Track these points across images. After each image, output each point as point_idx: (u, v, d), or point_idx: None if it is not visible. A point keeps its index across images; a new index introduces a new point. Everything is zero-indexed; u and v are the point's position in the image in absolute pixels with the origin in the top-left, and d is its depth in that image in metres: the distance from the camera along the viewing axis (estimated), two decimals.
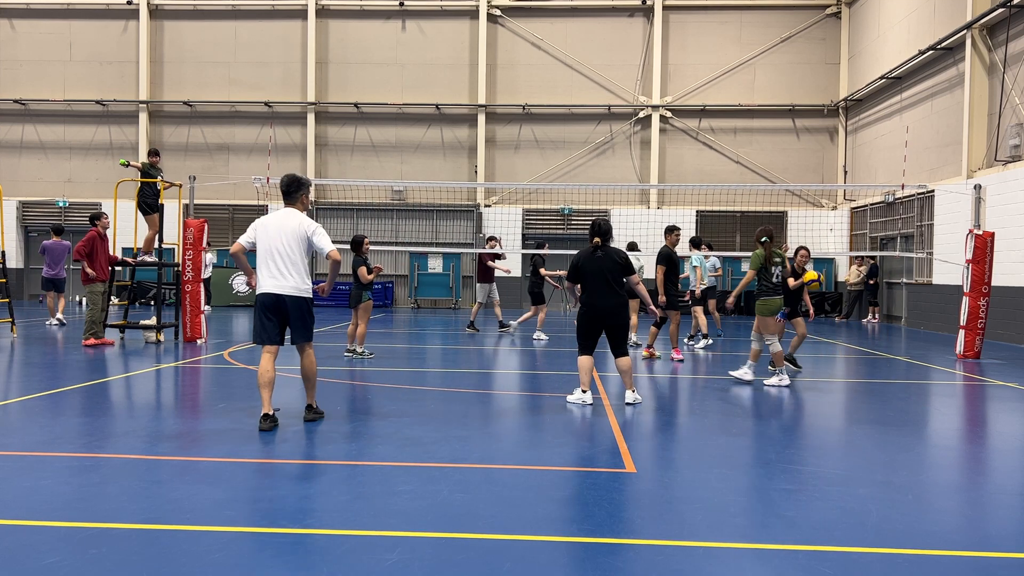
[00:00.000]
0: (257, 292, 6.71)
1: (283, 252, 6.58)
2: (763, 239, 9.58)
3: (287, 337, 6.83)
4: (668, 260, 11.88)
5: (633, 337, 14.14)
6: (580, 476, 5.32)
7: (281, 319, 6.69)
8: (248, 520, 4.30)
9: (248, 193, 25.47)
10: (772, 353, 9.48)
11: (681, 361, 11.78)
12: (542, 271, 15.62)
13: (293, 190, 6.76)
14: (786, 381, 9.44)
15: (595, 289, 7.80)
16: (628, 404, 7.96)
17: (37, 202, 26.66)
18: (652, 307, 8.54)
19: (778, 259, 9.65)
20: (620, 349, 7.98)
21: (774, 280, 9.50)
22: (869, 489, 5.08)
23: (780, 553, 3.96)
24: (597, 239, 7.91)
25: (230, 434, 6.39)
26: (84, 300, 13.11)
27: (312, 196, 26.12)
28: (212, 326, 16.53)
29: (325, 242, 6.70)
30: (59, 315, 16.48)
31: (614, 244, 8.19)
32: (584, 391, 7.99)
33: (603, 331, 7.96)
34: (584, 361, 8.02)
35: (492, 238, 16.76)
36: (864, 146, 23.81)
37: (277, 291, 6.58)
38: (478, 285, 16.50)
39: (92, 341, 12.53)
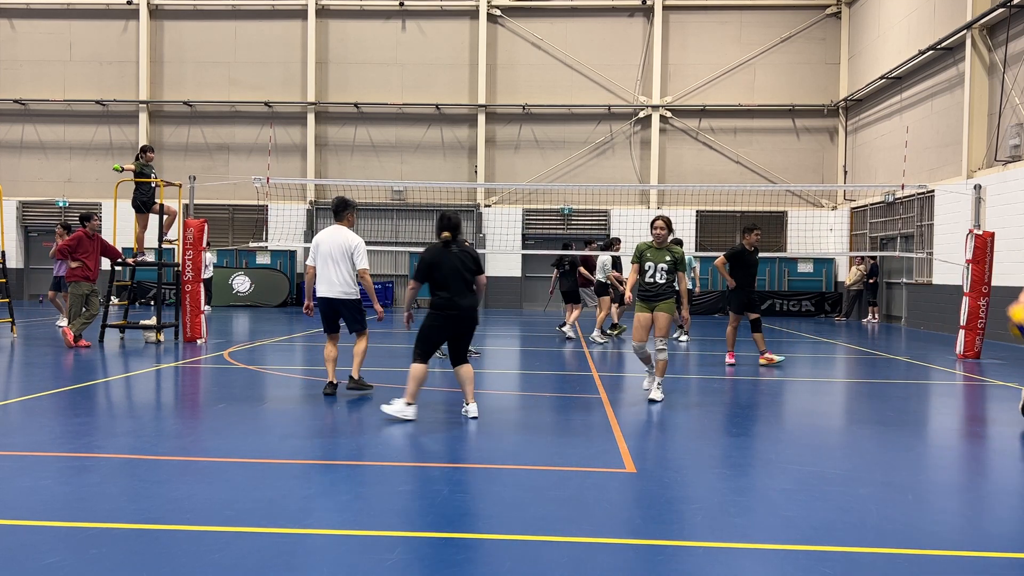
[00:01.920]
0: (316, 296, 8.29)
1: (333, 261, 8.09)
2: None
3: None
4: (736, 258, 11.34)
5: (595, 334, 14.34)
6: (580, 476, 5.32)
7: (334, 316, 8.29)
8: (248, 520, 4.30)
9: (248, 193, 25.47)
10: (659, 361, 8.22)
11: (734, 365, 11.22)
12: (583, 270, 15.39)
13: (340, 210, 8.25)
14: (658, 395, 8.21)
15: (454, 288, 6.98)
16: (473, 418, 7.05)
17: (37, 202, 26.66)
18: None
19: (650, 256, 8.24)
20: (464, 356, 7.22)
21: (647, 279, 8.14)
22: (869, 489, 5.08)
23: (780, 553, 3.96)
24: (447, 233, 7.14)
25: (230, 434, 6.40)
26: (93, 298, 12.91)
27: (313, 196, 26.13)
28: (212, 326, 16.53)
29: (361, 259, 8.16)
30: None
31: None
32: (409, 403, 6.96)
33: (451, 336, 7.14)
34: (419, 370, 7.03)
35: (616, 240, 16.01)
36: (864, 146, 23.81)
37: (328, 295, 8.13)
38: (581, 290, 15.69)
39: (83, 343, 12.47)
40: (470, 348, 12.04)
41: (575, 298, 15.41)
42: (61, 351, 12.02)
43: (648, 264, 8.12)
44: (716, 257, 17.81)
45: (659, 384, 8.20)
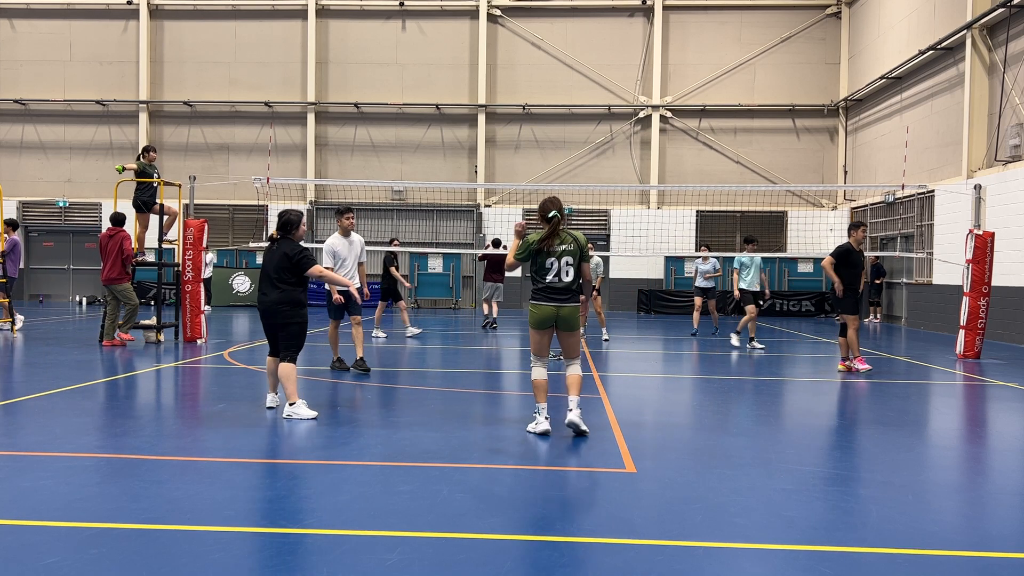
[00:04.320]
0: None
1: (355, 262, 10.11)
2: (551, 214, 6.42)
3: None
4: (843, 257, 10.66)
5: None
6: (580, 476, 5.32)
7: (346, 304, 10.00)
8: (248, 520, 4.30)
9: (248, 193, 25.47)
10: (535, 382, 6.52)
11: (869, 370, 10.64)
12: (392, 270, 15.46)
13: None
14: (544, 427, 6.44)
15: (262, 284, 7.22)
16: (277, 410, 7.19)
17: (37, 202, 26.67)
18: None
19: (564, 245, 6.43)
20: (283, 353, 7.17)
21: (548, 277, 6.40)
22: (869, 489, 5.08)
23: (780, 553, 3.96)
24: (275, 232, 7.31)
25: (230, 434, 6.40)
26: (111, 299, 12.97)
27: (313, 196, 26.13)
28: (212, 326, 16.52)
29: (364, 255, 10.24)
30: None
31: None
32: (269, 393, 7.42)
33: (267, 329, 7.27)
34: (268, 362, 7.37)
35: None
36: (864, 146, 23.81)
37: (350, 290, 9.42)
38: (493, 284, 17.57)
39: (127, 336, 12.78)
40: (605, 339, 12.07)
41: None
42: (61, 351, 12.02)
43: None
44: (720, 254, 17.80)
45: (578, 404, 6.48)
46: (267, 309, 7.15)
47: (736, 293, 14.09)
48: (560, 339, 6.54)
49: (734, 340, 14.00)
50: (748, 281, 14.06)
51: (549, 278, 6.38)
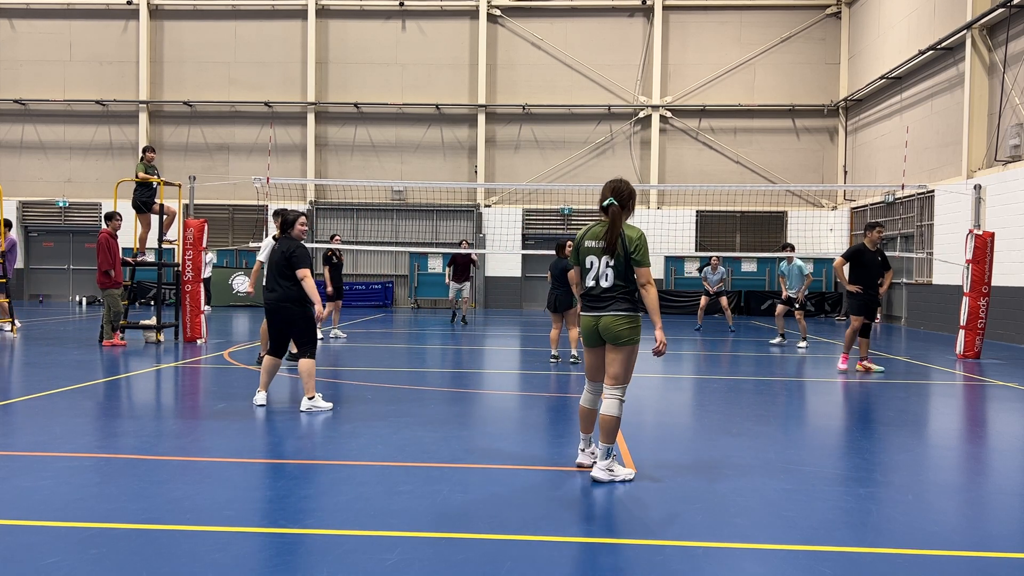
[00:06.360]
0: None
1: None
2: (605, 202, 5.26)
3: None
4: (854, 257, 10.76)
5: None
6: (580, 476, 5.32)
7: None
8: (248, 520, 4.30)
9: (248, 193, 25.47)
10: (579, 409, 5.64)
11: (845, 371, 10.73)
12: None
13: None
14: (579, 460, 5.52)
15: (268, 282, 7.44)
16: (304, 411, 7.26)
17: (37, 202, 26.66)
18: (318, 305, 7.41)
19: (593, 244, 5.33)
20: (300, 349, 7.46)
21: (588, 281, 5.37)
22: (869, 489, 5.08)
23: (780, 553, 3.96)
24: (276, 232, 7.67)
25: (230, 434, 6.40)
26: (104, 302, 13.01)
27: (313, 196, 26.14)
28: (212, 326, 16.52)
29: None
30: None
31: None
32: (260, 391, 7.60)
33: (273, 327, 7.47)
34: (265, 360, 7.60)
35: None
36: (864, 146, 23.81)
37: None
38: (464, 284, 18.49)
39: (116, 340, 12.68)
40: (573, 355, 10.98)
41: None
42: (61, 351, 12.01)
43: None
44: (713, 255, 17.86)
45: (613, 455, 5.25)
46: (272, 306, 7.39)
47: (785, 293, 14.93)
48: (605, 353, 5.35)
49: (801, 344, 14.22)
50: (792, 288, 14.79)
51: (589, 281, 5.35)
